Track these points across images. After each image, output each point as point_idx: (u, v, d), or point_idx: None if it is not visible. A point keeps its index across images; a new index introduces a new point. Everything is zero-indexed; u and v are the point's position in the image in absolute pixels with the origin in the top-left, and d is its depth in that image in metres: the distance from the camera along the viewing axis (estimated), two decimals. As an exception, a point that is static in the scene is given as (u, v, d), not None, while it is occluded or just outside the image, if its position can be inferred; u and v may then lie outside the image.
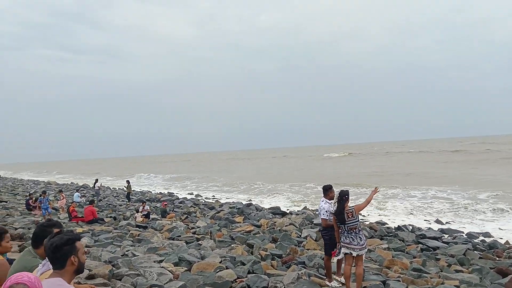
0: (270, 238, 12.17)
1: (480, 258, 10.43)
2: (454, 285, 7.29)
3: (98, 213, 17.36)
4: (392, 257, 9.55)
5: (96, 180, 27.48)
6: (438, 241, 12.77)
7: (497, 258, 10.45)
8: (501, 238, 13.56)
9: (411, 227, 15.56)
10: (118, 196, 29.66)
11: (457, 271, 8.87)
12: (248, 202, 24.10)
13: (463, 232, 14.74)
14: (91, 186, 34.70)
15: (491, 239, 13.49)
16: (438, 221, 17.26)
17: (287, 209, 20.83)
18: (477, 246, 12.14)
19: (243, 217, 17.10)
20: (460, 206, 20.12)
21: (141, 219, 16.33)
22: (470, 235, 14.14)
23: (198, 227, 14.27)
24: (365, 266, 7.66)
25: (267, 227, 14.61)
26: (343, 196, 6.69)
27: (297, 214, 17.96)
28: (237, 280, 7.12)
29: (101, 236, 12.07)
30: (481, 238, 13.86)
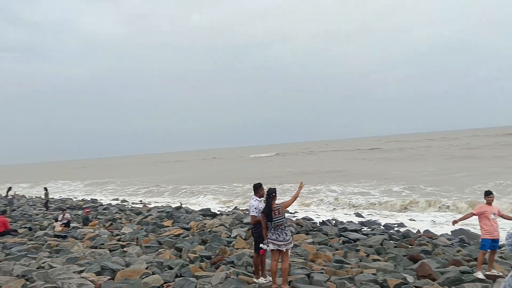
0: (200, 240, 12.04)
1: (395, 247, 11.28)
2: (372, 273, 7.83)
3: (10, 224, 15.89)
4: (316, 250, 9.98)
5: (9, 188, 25.05)
6: (358, 233, 13.61)
7: (410, 246, 11.39)
8: (413, 228, 14.84)
9: (334, 221, 16.40)
10: (34, 205, 27.42)
11: (374, 260, 9.52)
12: (177, 205, 23.65)
13: (380, 224, 15.89)
14: (3, 195, 31.62)
15: (405, 228, 14.72)
16: (358, 215, 18.41)
17: (218, 210, 20.81)
18: (393, 236, 13.14)
19: (172, 220, 16.71)
20: (377, 199, 21.64)
21: (60, 228, 15.27)
22: (387, 226, 15.29)
23: (123, 234, 13.67)
24: (291, 261, 7.93)
25: (196, 230, 14.45)
26: (271, 194, 6.87)
27: (227, 215, 17.99)
28: (164, 285, 6.98)
29: (14, 248, 11.11)
30: (396, 228, 15.07)
